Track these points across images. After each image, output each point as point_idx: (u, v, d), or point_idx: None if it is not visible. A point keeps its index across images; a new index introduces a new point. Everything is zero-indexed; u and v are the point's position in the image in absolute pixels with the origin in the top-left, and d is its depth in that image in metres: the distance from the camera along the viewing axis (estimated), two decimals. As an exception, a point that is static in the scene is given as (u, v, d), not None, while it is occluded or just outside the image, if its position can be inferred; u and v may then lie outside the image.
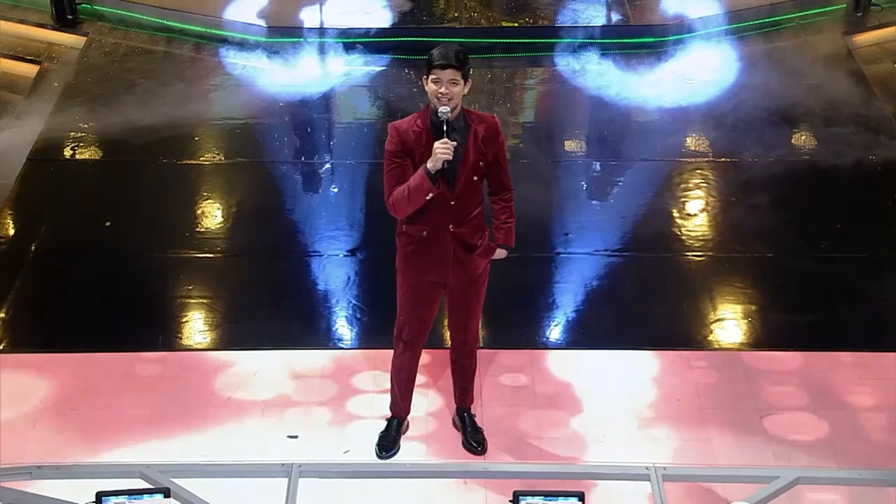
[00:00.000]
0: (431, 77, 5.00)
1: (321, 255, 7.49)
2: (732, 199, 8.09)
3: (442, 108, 4.98)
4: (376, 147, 8.46)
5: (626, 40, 10.23)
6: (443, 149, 4.96)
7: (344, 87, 9.75)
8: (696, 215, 7.93)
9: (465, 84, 5.03)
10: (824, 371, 6.37)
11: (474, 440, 5.81)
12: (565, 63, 9.97)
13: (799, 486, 4.66)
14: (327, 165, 8.59)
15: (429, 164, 5.00)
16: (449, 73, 4.97)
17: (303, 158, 8.67)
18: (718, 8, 10.49)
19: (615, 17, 10.49)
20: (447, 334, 5.85)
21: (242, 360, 6.48)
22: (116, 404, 6.13)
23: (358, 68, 9.95)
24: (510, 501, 4.17)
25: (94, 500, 4.13)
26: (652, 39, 10.23)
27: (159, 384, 6.28)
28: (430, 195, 5.05)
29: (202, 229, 7.78)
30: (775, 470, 4.97)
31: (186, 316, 6.95)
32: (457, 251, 5.28)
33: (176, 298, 7.10)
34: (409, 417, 5.87)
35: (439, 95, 4.98)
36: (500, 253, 5.42)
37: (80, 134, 8.92)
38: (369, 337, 6.73)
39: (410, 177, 5.08)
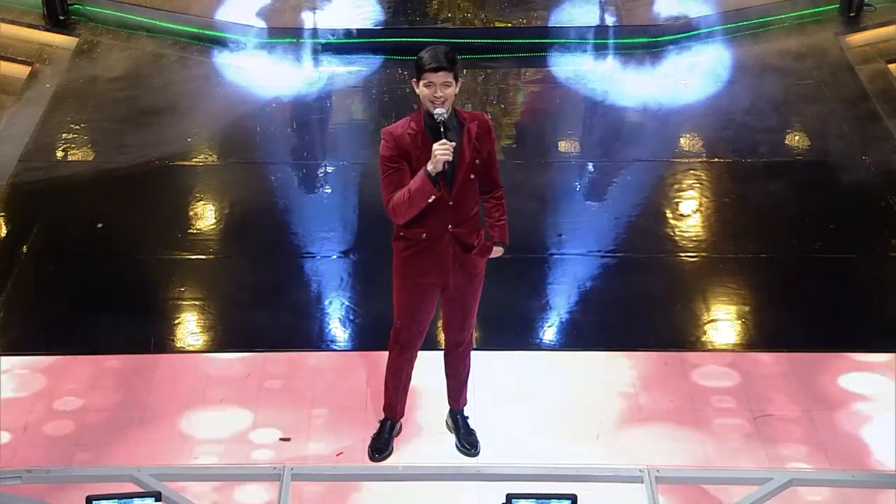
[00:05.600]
0: (424, 81, 4.98)
1: (314, 257, 7.47)
2: (726, 200, 8.08)
3: (437, 111, 4.96)
4: (370, 148, 8.44)
5: (620, 41, 10.20)
6: (442, 150, 4.94)
7: (337, 87, 9.73)
8: (689, 216, 7.92)
9: (456, 84, 5.01)
10: (818, 372, 6.36)
11: (467, 442, 5.79)
12: (559, 63, 9.95)
13: (792, 488, 4.66)
14: (321, 167, 8.57)
15: (429, 167, 4.97)
16: (441, 76, 4.95)
17: (296, 160, 8.65)
18: (712, 8, 10.47)
19: (609, 18, 10.47)
20: (439, 336, 5.84)
21: (235, 361, 6.46)
22: (107, 407, 6.11)
23: (351, 69, 9.93)
24: (503, 504, 4.17)
25: (84, 504, 4.12)
26: (646, 40, 10.21)
27: (151, 386, 6.25)
28: (433, 198, 5.04)
29: (194, 230, 7.75)
30: (769, 472, 4.97)
31: (178, 317, 6.93)
32: (456, 251, 5.26)
33: (168, 300, 7.07)
34: (402, 420, 5.85)
35: (434, 99, 4.97)
36: (497, 251, 5.41)
37: (71, 135, 8.90)
38: (362, 338, 6.70)
39: (408, 181, 5.05)
